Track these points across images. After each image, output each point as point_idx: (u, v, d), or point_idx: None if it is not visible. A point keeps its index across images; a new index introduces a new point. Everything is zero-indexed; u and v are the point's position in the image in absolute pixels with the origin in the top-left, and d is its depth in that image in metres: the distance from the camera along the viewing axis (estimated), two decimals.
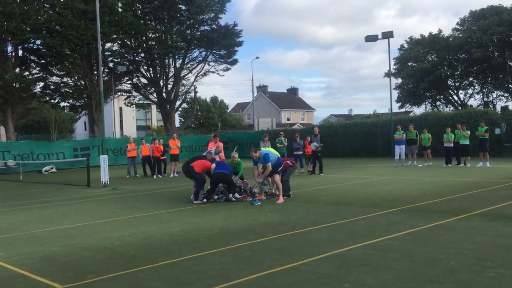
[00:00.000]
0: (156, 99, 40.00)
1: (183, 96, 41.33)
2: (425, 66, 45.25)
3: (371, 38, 29.47)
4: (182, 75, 39.12)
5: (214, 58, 39.42)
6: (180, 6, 36.87)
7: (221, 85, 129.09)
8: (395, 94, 50.46)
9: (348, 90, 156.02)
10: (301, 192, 12.95)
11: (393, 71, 48.13)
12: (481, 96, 48.74)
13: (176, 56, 38.39)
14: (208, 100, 64.60)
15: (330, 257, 5.87)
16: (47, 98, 37.17)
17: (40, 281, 5.40)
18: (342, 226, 7.90)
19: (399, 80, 49.75)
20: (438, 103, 50.96)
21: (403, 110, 53.31)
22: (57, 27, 31.71)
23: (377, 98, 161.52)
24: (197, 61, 39.38)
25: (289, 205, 10.64)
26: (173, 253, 6.42)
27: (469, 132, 19.79)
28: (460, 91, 48.97)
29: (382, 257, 5.75)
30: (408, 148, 20.90)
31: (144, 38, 37.05)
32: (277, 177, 11.33)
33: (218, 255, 6.22)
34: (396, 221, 8.10)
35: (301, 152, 19.40)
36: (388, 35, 28.95)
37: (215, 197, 11.66)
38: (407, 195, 11.32)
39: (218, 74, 40.40)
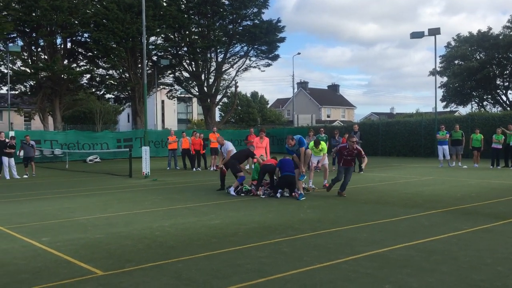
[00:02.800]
0: (197, 93, 40.46)
1: (224, 91, 41.65)
2: (472, 65, 43.81)
3: (417, 35, 28.70)
4: (223, 69, 39.40)
5: (255, 53, 39.52)
6: (223, 0, 37.13)
7: (261, 80, 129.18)
8: (440, 93, 49.16)
9: (389, 88, 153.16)
10: None
11: (439, 69, 46.82)
12: None
13: (218, 51, 38.68)
14: (248, 95, 64.80)
15: (371, 256, 5.75)
16: (93, 90, 38.34)
17: (83, 267, 5.54)
18: (382, 225, 7.73)
19: (445, 79, 48.40)
20: (485, 103, 49.29)
21: (448, 109, 51.88)
22: (103, 20, 32.55)
23: (420, 96, 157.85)
24: (238, 56, 39.59)
25: (327, 202, 10.52)
26: (211, 246, 6.45)
27: None
28: (509, 91, 47.14)
29: (425, 259, 5.58)
30: (453, 149, 20.26)
31: (187, 32, 37.53)
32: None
33: (256, 249, 6.21)
34: (439, 223, 7.86)
35: None
36: (434, 32, 28.11)
37: (261, 192, 11.68)
38: (451, 197, 10.98)
39: (259, 69, 40.53)
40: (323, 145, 13.45)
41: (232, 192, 11.84)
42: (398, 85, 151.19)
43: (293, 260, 5.66)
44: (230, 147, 12.91)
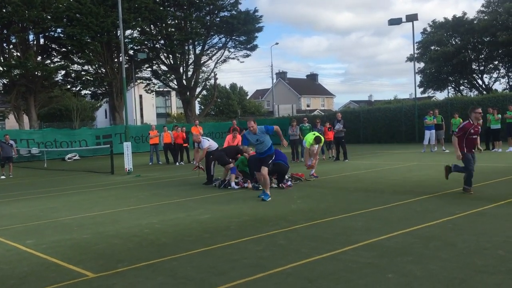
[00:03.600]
0: (176, 86, 39.97)
1: (203, 83, 41.24)
2: (448, 50, 44.18)
3: (394, 22, 28.81)
4: (202, 61, 38.98)
5: (233, 44, 39.18)
6: None
7: (239, 72, 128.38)
8: (418, 78, 49.51)
9: (366, 76, 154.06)
10: (328, 179, 12.70)
11: (415, 55, 47.15)
12: (507, 80, 47.44)
13: (196, 43, 38.20)
14: (227, 87, 64.39)
15: (369, 245, 5.64)
16: (69, 86, 37.49)
17: (72, 269, 5.30)
18: (376, 213, 7.65)
19: (422, 65, 48.75)
20: (461, 87, 49.86)
21: (425, 95, 52.37)
22: (77, 15, 31.77)
23: (397, 83, 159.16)
24: (216, 47, 39.21)
25: (317, 192, 10.42)
26: (205, 241, 6.26)
27: (500, 116, 19.23)
28: (485, 75, 47.78)
29: (424, 246, 5.49)
30: (436, 134, 20.40)
31: (163, 24, 36.94)
32: (265, 170, 9.56)
33: (252, 243, 6.05)
34: (431, 208, 7.81)
35: None
36: (412, 18, 28.26)
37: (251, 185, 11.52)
38: (439, 181, 10.98)
39: (238, 60, 40.18)
40: (322, 140, 13.28)
41: (234, 186, 11.59)
42: (375, 73, 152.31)
43: (291, 252, 5.52)
44: (206, 144, 12.62)
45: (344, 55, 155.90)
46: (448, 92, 50.43)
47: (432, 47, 47.13)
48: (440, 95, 56.49)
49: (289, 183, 11.45)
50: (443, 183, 10.56)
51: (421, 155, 18.81)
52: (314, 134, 13.29)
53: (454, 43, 46.15)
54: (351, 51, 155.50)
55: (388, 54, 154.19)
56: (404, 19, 28.49)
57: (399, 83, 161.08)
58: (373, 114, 31.53)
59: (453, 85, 49.92)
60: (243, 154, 12.39)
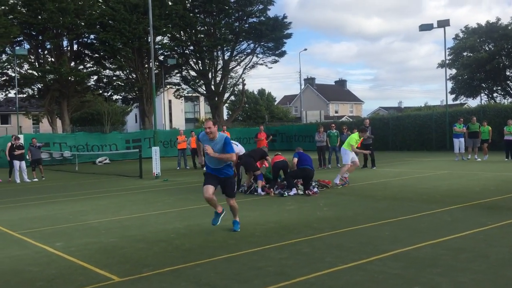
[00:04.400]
0: (204, 92, 40.28)
1: (231, 89, 41.41)
2: (481, 56, 43.24)
3: (425, 27, 28.34)
4: (230, 67, 39.15)
5: (262, 50, 39.20)
6: None
7: (268, 78, 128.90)
8: (449, 85, 48.56)
9: (396, 82, 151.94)
10: (355, 186, 12.54)
11: (447, 61, 46.29)
12: None
13: (225, 49, 38.41)
14: (255, 92, 64.54)
15: (396, 255, 5.53)
16: (100, 91, 38.25)
17: (99, 272, 5.36)
18: (404, 222, 7.50)
19: (453, 71, 47.85)
20: (495, 94, 48.66)
21: (457, 102, 51.31)
22: (110, 21, 32.43)
23: (427, 90, 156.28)
24: (245, 53, 39.31)
25: (344, 199, 10.30)
26: (229, 247, 6.26)
27: None
28: None
29: (454, 257, 5.34)
30: (470, 141, 19.88)
31: (193, 31, 37.34)
32: (233, 201, 7.57)
33: (276, 250, 6.00)
34: (462, 218, 7.61)
35: None
36: (443, 23, 27.75)
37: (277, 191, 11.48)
38: (470, 191, 10.71)
39: (266, 66, 40.16)
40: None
41: (261, 192, 11.56)
42: (405, 79, 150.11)
43: (315, 261, 5.46)
44: (237, 149, 12.52)
45: (373, 61, 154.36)
46: (481, 99, 49.32)
47: (465, 53, 46.22)
48: (473, 102, 55.26)
49: (315, 190, 11.36)
50: (475, 193, 10.29)
51: (452, 164, 18.39)
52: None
53: (487, 49, 45.13)
54: (380, 56, 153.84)
55: (418, 60, 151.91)
56: (435, 25, 28.00)
57: (429, 90, 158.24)
58: (402, 121, 31.02)
59: (486, 92, 48.78)
60: (266, 158, 12.36)
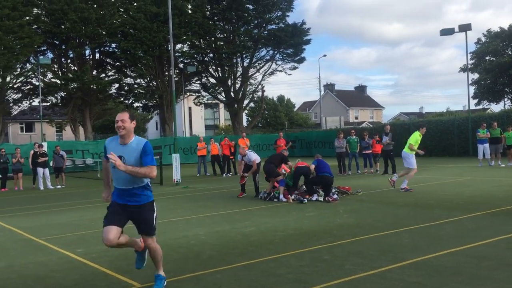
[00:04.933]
0: (224, 99, 40.52)
1: (251, 95, 41.55)
2: (504, 60, 42.53)
3: (447, 32, 28.02)
4: (249, 74, 39.33)
5: (281, 57, 39.31)
6: (247, 5, 37.04)
7: (287, 84, 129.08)
8: (472, 90, 47.86)
9: (417, 87, 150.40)
10: (375, 193, 12.44)
11: (469, 66, 45.66)
12: None
13: (244, 56, 38.62)
14: (274, 99, 64.61)
15: (416, 264, 5.46)
16: (122, 99, 38.85)
17: (120, 279, 5.43)
18: (425, 230, 7.40)
19: (476, 76, 47.13)
20: None
21: (480, 107, 50.47)
22: (130, 30, 32.96)
23: (449, 95, 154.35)
24: (264, 60, 39.46)
25: (364, 206, 10.21)
26: (249, 254, 6.26)
27: None
28: None
29: (477, 266, 5.26)
30: (492, 147, 19.56)
31: (212, 38, 37.66)
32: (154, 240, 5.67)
33: (296, 257, 5.99)
34: (485, 226, 7.48)
35: (370, 151, 18.88)
36: (465, 28, 27.40)
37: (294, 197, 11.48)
38: (493, 197, 10.51)
39: (285, 72, 40.25)
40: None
41: (282, 198, 11.56)
42: (426, 84, 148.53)
43: (335, 268, 5.43)
44: (254, 157, 12.69)
45: (393, 66, 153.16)
46: (505, 104, 48.43)
47: (487, 58, 45.51)
48: (496, 107, 54.23)
49: (335, 196, 11.30)
50: (498, 199, 10.10)
51: (475, 170, 18.08)
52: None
53: (510, 53, 44.36)
54: (401, 62, 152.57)
55: (440, 64, 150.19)
56: (457, 29, 27.67)
57: (451, 95, 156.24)
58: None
59: (509, 97, 47.89)
60: (287, 162, 12.36)
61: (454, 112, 51.52)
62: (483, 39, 46.43)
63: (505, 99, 48.16)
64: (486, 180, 14.38)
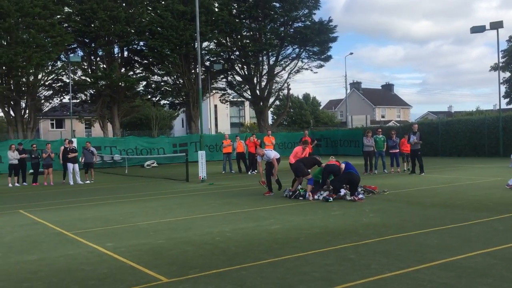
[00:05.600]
0: (250, 97, 40.58)
1: (276, 93, 41.50)
2: None
3: (477, 29, 27.41)
4: (275, 72, 39.27)
5: (307, 55, 39.14)
6: (274, 3, 36.98)
7: (313, 82, 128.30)
8: (503, 89, 46.70)
9: (445, 86, 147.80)
10: (403, 193, 12.29)
11: (500, 64, 44.57)
12: None
13: (270, 54, 38.59)
14: (300, 97, 64.38)
15: (445, 264, 5.39)
16: (149, 96, 39.33)
17: (148, 273, 5.53)
18: (453, 230, 7.29)
19: (507, 74, 45.97)
20: None
21: (511, 106, 49.23)
22: (158, 28, 33.32)
23: (479, 94, 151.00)
24: (290, 58, 39.36)
25: (390, 205, 10.11)
26: (274, 252, 6.29)
27: None
28: None
29: (506, 268, 5.16)
30: None
31: (238, 36, 37.74)
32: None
33: (321, 256, 5.99)
34: None
35: (397, 150, 18.66)
36: (497, 25, 26.77)
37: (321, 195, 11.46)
38: None
39: (311, 70, 40.07)
40: None
41: (309, 197, 11.54)
42: (455, 82, 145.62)
43: (361, 267, 5.40)
44: (273, 154, 12.87)
45: (421, 65, 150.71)
46: None
47: None
48: None
49: (360, 195, 11.22)
50: None
51: (506, 171, 17.67)
52: None
53: None
54: (429, 60, 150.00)
55: (469, 63, 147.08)
56: (488, 27, 27.05)
57: (481, 94, 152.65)
58: (452, 126, 30.10)
59: None
60: (320, 164, 12.31)
61: (484, 111, 50.37)
62: None
63: None
64: None
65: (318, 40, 36.74)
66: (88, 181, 19.41)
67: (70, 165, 18.91)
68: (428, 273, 5.10)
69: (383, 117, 72.15)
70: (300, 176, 12.01)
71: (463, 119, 31.29)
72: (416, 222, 8.10)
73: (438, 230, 7.35)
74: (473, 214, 8.66)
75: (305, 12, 37.52)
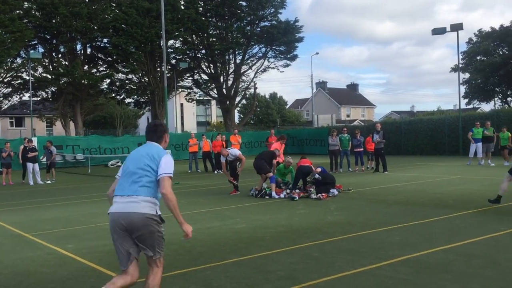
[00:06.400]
0: (216, 95, 40.44)
1: (243, 92, 41.51)
2: (495, 61, 42.81)
3: (438, 31, 28.14)
4: (242, 71, 39.28)
5: (273, 54, 39.31)
6: (240, 2, 36.98)
7: (279, 81, 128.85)
8: (462, 89, 48.12)
9: (408, 86, 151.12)
10: (366, 191, 12.48)
11: (460, 65, 45.92)
12: None
13: (237, 52, 38.56)
14: (267, 96, 64.60)
15: (407, 261, 5.49)
16: (113, 95, 38.60)
17: (110, 274, 5.39)
18: (415, 227, 7.45)
19: (467, 75, 47.41)
20: (509, 99, 48.09)
21: (470, 106, 50.82)
22: (122, 25, 32.74)
23: (440, 94, 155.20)
24: (257, 57, 39.45)
25: (355, 204, 10.25)
26: (240, 251, 6.27)
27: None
28: None
29: (466, 263, 5.30)
30: (484, 146, 19.75)
31: (205, 34, 37.52)
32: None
33: (287, 254, 6.00)
34: (474, 224, 7.55)
35: (362, 149, 18.99)
36: (457, 27, 27.53)
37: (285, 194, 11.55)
38: (482, 196, 10.58)
39: (277, 70, 40.26)
40: None
41: (275, 195, 11.57)
42: (417, 83, 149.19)
43: (326, 265, 5.45)
44: (238, 152, 12.88)
45: (385, 65, 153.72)
46: (495, 104, 48.81)
47: (478, 58, 45.79)
48: (486, 107, 54.67)
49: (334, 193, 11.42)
50: (487, 198, 10.17)
51: (466, 169, 18.22)
52: None
53: (501, 53, 44.67)
54: (392, 60, 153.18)
55: (431, 64, 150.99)
56: (448, 29, 27.80)
57: (443, 94, 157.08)
58: (415, 126, 30.81)
59: (499, 97, 48.27)
60: (277, 159, 12.40)
61: (445, 111, 51.86)
62: (474, 39, 46.68)
63: (495, 99, 48.53)
64: (476, 179, 14.49)
65: (284, 40, 36.95)
66: (49, 181, 18.90)
67: (29, 165, 18.36)
68: (390, 269, 5.18)
69: (348, 116, 73.24)
70: (262, 173, 12.05)
71: (424, 118, 32.09)
72: (380, 219, 8.24)
73: (401, 227, 7.50)
74: (434, 211, 8.87)
75: (271, 12, 37.68)
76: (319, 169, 11.82)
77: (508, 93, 47.52)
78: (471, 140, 19.95)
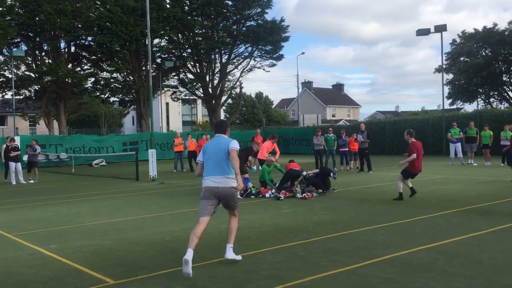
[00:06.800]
0: (202, 95, 40.32)
1: (229, 92, 41.47)
2: (478, 61, 43.40)
3: (423, 32, 28.44)
4: (228, 70, 39.22)
5: (259, 54, 39.32)
6: (226, 1, 36.93)
7: (265, 81, 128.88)
8: (446, 90, 48.69)
9: (393, 87, 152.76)
10: (351, 190, 12.56)
11: (444, 66, 46.45)
12: None
13: (222, 52, 38.50)
14: (253, 96, 64.62)
15: (390, 260, 5.54)
16: (98, 93, 38.23)
17: (93, 275, 5.36)
18: (398, 227, 7.52)
19: (450, 76, 47.97)
20: (491, 99, 48.81)
21: (454, 106, 51.45)
22: (107, 24, 32.46)
23: (424, 94, 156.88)
24: (243, 56, 39.43)
25: (340, 203, 10.31)
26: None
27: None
28: None
29: (448, 262, 5.37)
30: (467, 146, 20.03)
31: (191, 33, 37.40)
32: None
33: (272, 254, 6.01)
34: (456, 223, 7.64)
35: (347, 149, 19.10)
36: (441, 28, 27.85)
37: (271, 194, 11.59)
38: (465, 196, 10.75)
39: (263, 69, 40.28)
40: None
41: (239, 196, 11.57)
42: (402, 83, 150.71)
43: (310, 265, 5.47)
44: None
45: (370, 66, 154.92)
46: (478, 104, 49.49)
47: (462, 58, 46.36)
48: (469, 107, 55.44)
49: (314, 193, 11.41)
50: (470, 198, 10.32)
51: (448, 168, 18.43)
52: None
53: (484, 54, 45.28)
54: (377, 61, 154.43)
55: (416, 64, 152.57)
56: (432, 30, 28.09)
57: (427, 94, 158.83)
58: (399, 125, 31.07)
59: (482, 97, 48.94)
60: (253, 155, 12.47)
61: (429, 111, 52.41)
62: (458, 40, 47.25)
63: (478, 99, 49.19)
64: (459, 178, 14.67)
65: (270, 39, 36.98)
66: (31, 181, 18.66)
67: (12, 164, 18.09)
68: (374, 268, 5.22)
69: (333, 116, 73.61)
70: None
71: (409, 118, 32.41)
72: (364, 219, 8.30)
73: (385, 226, 7.56)
74: (417, 210, 8.96)
75: (257, 11, 37.68)
76: (310, 172, 12.02)
77: (491, 93, 48.22)
78: (452, 140, 20.20)
